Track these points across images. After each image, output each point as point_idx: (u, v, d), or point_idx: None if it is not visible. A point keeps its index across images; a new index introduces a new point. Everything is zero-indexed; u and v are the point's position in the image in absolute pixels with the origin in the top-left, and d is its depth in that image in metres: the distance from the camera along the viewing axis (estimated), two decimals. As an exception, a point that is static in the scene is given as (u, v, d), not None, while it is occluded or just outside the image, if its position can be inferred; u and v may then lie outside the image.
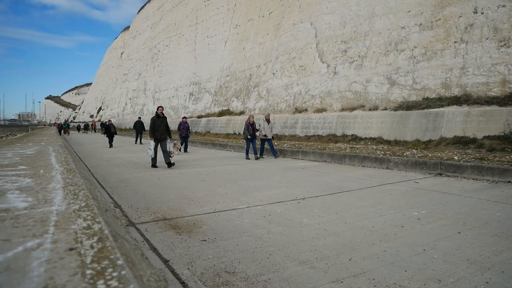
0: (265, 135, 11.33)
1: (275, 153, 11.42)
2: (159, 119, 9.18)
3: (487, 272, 2.61)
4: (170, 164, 9.11)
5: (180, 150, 11.68)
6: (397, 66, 12.74)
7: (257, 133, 11.47)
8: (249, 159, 11.10)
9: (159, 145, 9.22)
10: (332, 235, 3.53)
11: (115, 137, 20.03)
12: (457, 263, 2.79)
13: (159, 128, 9.12)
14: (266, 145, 11.71)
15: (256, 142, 11.79)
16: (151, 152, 8.92)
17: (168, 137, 9.39)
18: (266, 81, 20.03)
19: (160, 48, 40.16)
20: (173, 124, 22.13)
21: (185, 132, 14.38)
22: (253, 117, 11.64)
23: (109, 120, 21.33)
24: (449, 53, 11.20)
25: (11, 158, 3.60)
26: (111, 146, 17.86)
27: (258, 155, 11.29)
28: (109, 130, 18.18)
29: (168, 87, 36.56)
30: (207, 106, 27.47)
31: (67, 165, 2.96)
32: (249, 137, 11.43)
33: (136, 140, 20.69)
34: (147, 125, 20.28)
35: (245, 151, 11.63)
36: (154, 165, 9.17)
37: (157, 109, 9.35)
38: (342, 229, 3.75)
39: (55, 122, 75.48)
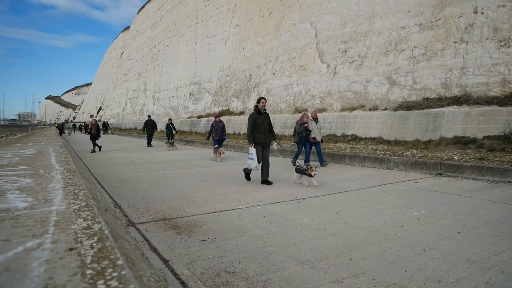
0: (314, 138, 9.15)
1: (322, 160, 9.22)
2: (261, 116, 6.62)
3: (487, 272, 2.61)
4: (268, 182, 6.52)
5: (221, 154, 10.69)
6: (397, 66, 12.74)
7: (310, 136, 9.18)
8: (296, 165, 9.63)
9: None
10: (332, 235, 3.53)
11: (109, 139, 19.14)
12: (457, 263, 2.79)
13: (261, 129, 6.55)
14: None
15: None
16: (254, 164, 6.43)
17: (273, 141, 6.84)
18: (266, 81, 20.02)
19: (160, 48, 40.15)
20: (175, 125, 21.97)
21: (220, 134, 11.64)
22: (307, 117, 9.16)
23: (93, 118, 18.49)
24: (449, 53, 11.20)
25: (11, 158, 3.61)
26: (93, 151, 14.55)
27: (309, 162, 9.12)
28: (92, 131, 15.13)
29: (168, 87, 36.55)
30: (207, 106, 27.46)
31: (67, 165, 2.96)
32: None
33: (149, 143, 18.21)
34: (156, 125, 19.25)
35: (294, 157, 9.40)
36: (264, 180, 6.63)
37: (258, 101, 6.70)
38: (342, 229, 3.75)
39: (54, 122, 75.46)
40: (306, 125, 9.02)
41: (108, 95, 62.31)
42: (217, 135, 11.60)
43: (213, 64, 28.36)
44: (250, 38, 23.63)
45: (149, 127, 18.23)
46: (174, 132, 17.54)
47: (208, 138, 11.96)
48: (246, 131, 20.47)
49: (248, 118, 6.59)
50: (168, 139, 17.00)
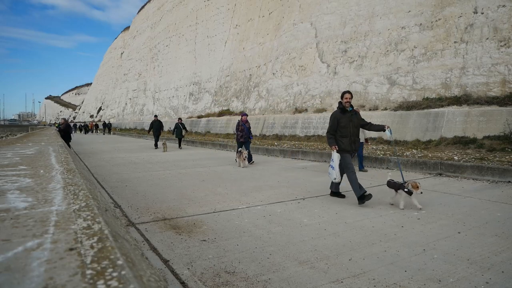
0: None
1: (361, 166, 8.15)
2: (346, 115, 5.19)
3: (487, 272, 2.61)
4: (365, 198, 4.83)
5: (244, 159, 9.19)
6: (397, 66, 12.74)
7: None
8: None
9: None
10: (332, 235, 3.53)
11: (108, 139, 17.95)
12: (457, 263, 2.79)
13: (345, 131, 5.15)
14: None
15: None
16: (333, 174, 5.15)
17: (386, 128, 5.12)
18: (266, 81, 20.02)
19: (160, 48, 40.16)
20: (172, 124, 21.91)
21: (246, 135, 9.99)
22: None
23: (63, 119, 15.32)
24: (449, 53, 11.20)
25: (11, 158, 3.60)
26: None
27: (363, 166, 8.13)
28: (65, 132, 13.51)
29: (168, 87, 36.55)
30: (207, 106, 27.47)
31: (67, 165, 2.96)
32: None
33: (156, 145, 16.85)
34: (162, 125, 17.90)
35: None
36: (336, 192, 5.43)
37: (343, 96, 5.25)
38: (342, 229, 3.75)
39: (55, 122, 75.42)
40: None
41: (108, 95, 62.32)
42: (243, 137, 9.91)
43: (213, 64, 28.36)
44: (250, 38, 23.63)
45: (156, 127, 16.90)
46: (184, 132, 16.59)
47: (239, 140, 10.06)
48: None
49: (330, 118, 5.35)
50: (180, 141, 16.45)
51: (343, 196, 5.34)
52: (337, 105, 5.40)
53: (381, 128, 5.20)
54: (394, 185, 4.84)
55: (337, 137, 5.23)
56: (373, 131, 5.77)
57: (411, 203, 4.57)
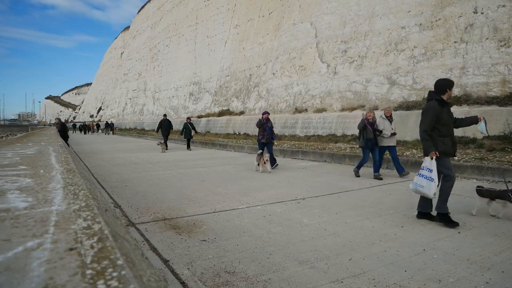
0: (393, 133, 7.38)
1: (401, 169, 7.27)
2: (445, 108, 4.19)
3: (487, 272, 2.61)
4: (453, 223, 3.80)
5: (265, 162, 7.99)
6: (397, 66, 12.74)
7: (382, 136, 7.34)
8: (359, 176, 7.31)
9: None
10: (332, 235, 3.53)
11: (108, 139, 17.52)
12: (457, 263, 2.79)
13: (447, 129, 4.11)
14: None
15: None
16: (432, 188, 3.87)
17: (480, 120, 4.28)
18: (266, 81, 20.02)
19: (160, 48, 40.16)
20: (176, 125, 21.77)
21: (268, 135, 8.87)
22: (373, 113, 7.56)
23: (57, 119, 14.94)
24: (449, 53, 11.20)
25: (11, 158, 3.60)
26: None
27: (378, 173, 7.23)
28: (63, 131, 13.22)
29: (168, 87, 36.56)
30: (207, 106, 27.46)
31: (67, 165, 2.95)
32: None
33: (166, 146, 15.19)
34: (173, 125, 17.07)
35: (356, 166, 7.53)
36: (427, 213, 4.12)
37: (446, 85, 4.17)
38: (342, 229, 3.75)
39: (55, 122, 75.39)
40: (374, 123, 7.29)
41: (108, 95, 62.32)
42: (265, 137, 8.80)
43: (213, 64, 28.35)
44: (250, 38, 23.63)
45: (165, 127, 15.78)
46: (193, 132, 15.57)
47: (260, 140, 9.00)
48: (246, 131, 20.24)
49: (424, 112, 4.18)
50: (188, 142, 15.60)
51: (440, 219, 3.93)
52: (428, 96, 4.32)
53: (473, 121, 4.27)
54: (490, 194, 4.11)
55: (434, 136, 4.06)
56: (463, 127, 4.53)
57: None
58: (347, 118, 13.53)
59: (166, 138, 15.77)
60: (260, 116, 9.53)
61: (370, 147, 7.32)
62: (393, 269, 2.70)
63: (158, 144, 14.47)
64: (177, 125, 24.77)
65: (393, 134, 7.37)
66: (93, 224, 1.15)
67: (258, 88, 20.86)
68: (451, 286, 2.41)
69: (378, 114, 12.31)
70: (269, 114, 9.14)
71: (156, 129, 16.69)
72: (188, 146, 15.85)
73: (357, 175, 7.35)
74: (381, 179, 6.98)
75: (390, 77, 12.87)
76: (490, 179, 6.45)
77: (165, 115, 16.95)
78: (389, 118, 7.48)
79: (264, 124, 8.82)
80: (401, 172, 7.27)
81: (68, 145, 12.75)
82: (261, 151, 8.51)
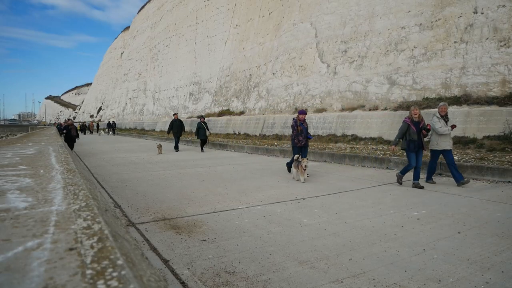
0: (452, 126, 6.36)
1: (460, 177, 6.14)
2: None
3: (487, 272, 2.61)
4: None
5: (305, 169, 6.72)
6: (397, 66, 12.74)
7: (428, 136, 6.49)
8: (401, 183, 6.31)
9: None
10: (332, 235, 3.53)
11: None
12: (457, 263, 2.79)
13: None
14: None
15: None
16: None
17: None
18: (266, 81, 20.02)
19: (160, 48, 40.16)
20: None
21: (305, 139, 7.55)
22: (418, 110, 6.44)
23: (69, 119, 14.32)
24: (449, 53, 11.20)
25: (11, 158, 3.60)
26: None
27: (431, 178, 6.57)
28: (69, 134, 13.04)
29: (168, 87, 36.56)
30: (207, 106, 27.46)
31: (67, 165, 2.95)
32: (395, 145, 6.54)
33: (177, 147, 14.56)
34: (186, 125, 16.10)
35: (401, 171, 6.43)
36: None
37: None
38: (342, 229, 3.75)
39: (54, 122, 75.33)
40: (422, 123, 6.30)
41: (108, 95, 62.32)
42: (303, 140, 7.48)
43: (213, 64, 28.36)
44: (250, 38, 23.63)
45: (177, 127, 14.57)
46: (208, 133, 14.38)
47: (296, 144, 7.54)
48: (246, 131, 20.25)
49: None
50: (203, 143, 14.36)
51: None
52: None
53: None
54: None
55: None
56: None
57: None
58: (347, 118, 13.53)
59: (177, 139, 14.64)
60: (258, 117, 9.09)
61: (415, 150, 6.26)
62: (393, 269, 2.70)
63: (158, 147, 13.58)
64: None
65: (453, 126, 6.35)
66: (93, 224, 1.15)
67: (258, 88, 20.86)
68: (451, 286, 2.41)
69: (378, 114, 12.35)
70: (306, 113, 7.79)
71: (167, 130, 15.32)
72: (202, 148, 14.65)
73: (399, 181, 6.27)
74: (421, 187, 5.94)
75: (390, 77, 12.87)
76: (490, 179, 6.45)
77: (175, 114, 15.60)
78: (445, 117, 6.46)
79: (301, 126, 7.50)
80: (460, 180, 6.09)
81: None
82: (297, 156, 7.12)
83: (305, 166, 6.73)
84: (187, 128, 27.44)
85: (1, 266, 0.83)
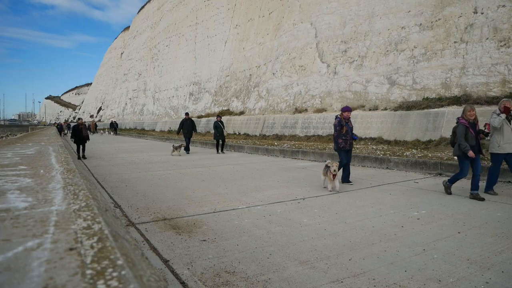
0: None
1: (489, 187, 5.53)
2: None
3: (487, 272, 2.61)
4: None
5: (334, 176, 5.67)
6: (397, 66, 12.74)
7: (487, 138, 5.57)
8: (450, 193, 5.44)
9: None
10: (332, 235, 3.53)
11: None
12: (457, 263, 2.79)
13: None
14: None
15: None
16: None
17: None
18: (266, 81, 20.02)
19: (160, 48, 40.15)
20: (174, 124, 21.75)
21: (350, 140, 6.71)
22: (474, 110, 5.33)
23: (79, 119, 13.64)
24: (449, 53, 11.20)
25: (11, 158, 3.60)
26: (79, 157, 11.72)
27: (491, 188, 5.53)
28: (79, 134, 12.07)
29: (168, 87, 36.55)
30: (207, 106, 27.46)
31: (67, 165, 2.95)
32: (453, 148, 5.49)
33: (188, 148, 13.78)
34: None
35: (449, 180, 5.54)
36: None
37: None
38: (342, 229, 3.75)
39: (54, 123, 75.29)
40: (477, 124, 5.33)
41: (108, 95, 62.32)
42: (348, 142, 6.61)
43: (213, 64, 28.35)
44: (250, 38, 23.62)
45: (187, 127, 13.74)
46: (225, 132, 13.66)
47: (341, 147, 6.62)
48: (246, 131, 20.24)
49: None
50: (218, 142, 13.45)
51: None
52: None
53: None
54: None
55: None
56: None
57: None
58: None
59: (188, 140, 13.83)
60: (258, 117, 8.30)
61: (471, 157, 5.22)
62: (393, 269, 2.70)
63: (176, 148, 12.56)
64: (176, 125, 24.71)
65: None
66: (93, 224, 1.15)
67: (258, 88, 20.86)
68: (451, 286, 2.41)
69: (378, 114, 12.35)
70: (351, 111, 6.86)
71: (177, 131, 14.49)
72: (220, 149, 13.68)
73: (448, 191, 5.45)
74: (482, 199, 4.98)
75: (390, 77, 12.87)
76: (490, 179, 6.43)
77: (187, 113, 14.58)
78: (509, 117, 5.33)
79: (346, 125, 6.57)
80: (487, 190, 5.48)
81: (82, 155, 11.75)
82: (328, 161, 5.93)
83: (334, 170, 5.49)
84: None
85: (1, 266, 0.83)
